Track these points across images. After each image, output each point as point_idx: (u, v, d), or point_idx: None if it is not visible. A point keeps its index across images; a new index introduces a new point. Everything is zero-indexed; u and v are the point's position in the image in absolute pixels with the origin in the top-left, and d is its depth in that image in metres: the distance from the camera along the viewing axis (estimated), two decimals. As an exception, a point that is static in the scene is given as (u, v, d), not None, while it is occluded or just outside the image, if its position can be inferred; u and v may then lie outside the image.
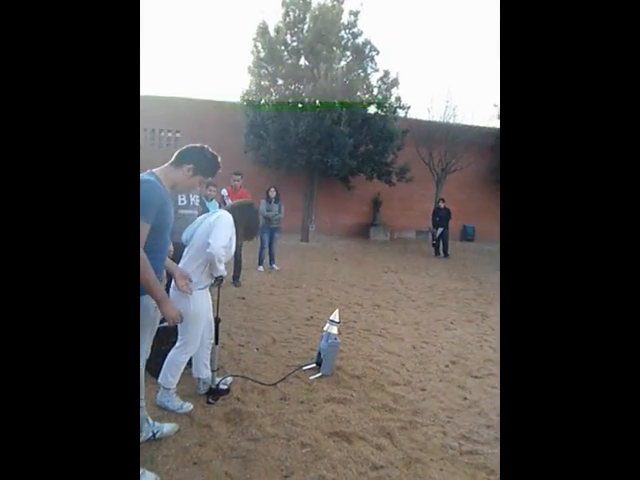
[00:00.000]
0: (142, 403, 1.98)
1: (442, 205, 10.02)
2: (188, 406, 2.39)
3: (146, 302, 1.76)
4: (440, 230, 9.83)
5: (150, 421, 2.07)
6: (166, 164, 1.90)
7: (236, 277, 5.86)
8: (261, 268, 6.99)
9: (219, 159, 1.97)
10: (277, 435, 2.21)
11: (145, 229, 1.65)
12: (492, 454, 2.16)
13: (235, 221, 2.43)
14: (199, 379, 2.59)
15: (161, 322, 2.90)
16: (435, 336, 4.12)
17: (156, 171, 1.83)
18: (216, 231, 2.30)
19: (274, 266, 7.13)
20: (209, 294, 2.52)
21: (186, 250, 2.43)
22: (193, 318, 2.30)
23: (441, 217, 9.78)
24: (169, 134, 12.80)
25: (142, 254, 1.62)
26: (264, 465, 1.97)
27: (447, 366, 3.37)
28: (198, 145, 1.94)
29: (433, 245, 10.11)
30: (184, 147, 1.92)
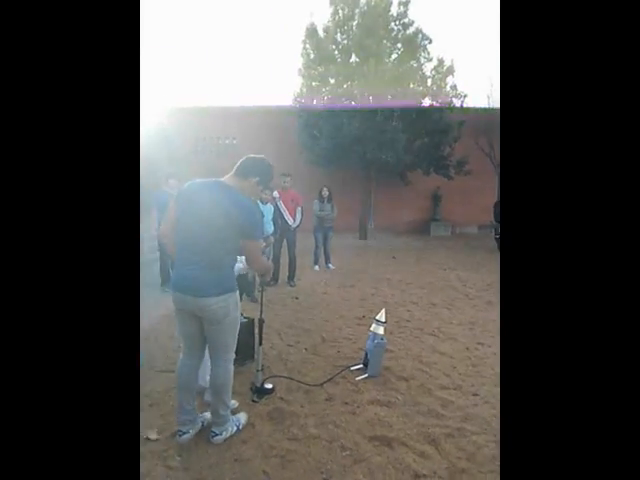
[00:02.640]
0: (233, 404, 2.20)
1: (505, 197, 9.41)
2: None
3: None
4: (504, 224, 9.24)
5: (232, 417, 2.23)
6: (231, 175, 2.08)
7: (291, 277, 5.97)
8: (317, 267, 7.05)
9: (273, 168, 2.19)
10: (319, 436, 2.22)
11: (260, 244, 2.12)
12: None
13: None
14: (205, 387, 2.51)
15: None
16: (491, 337, 3.88)
17: (228, 182, 2.04)
18: None
19: (330, 265, 7.16)
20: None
21: None
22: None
23: (504, 210, 9.19)
24: (227, 141, 13.38)
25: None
26: (303, 466, 1.98)
27: (504, 370, 3.16)
28: (258, 157, 2.12)
29: (496, 239, 9.54)
30: (246, 159, 2.10)
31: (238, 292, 2.10)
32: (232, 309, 2.03)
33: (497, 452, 2.13)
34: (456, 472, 1.97)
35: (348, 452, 2.09)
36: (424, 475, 1.94)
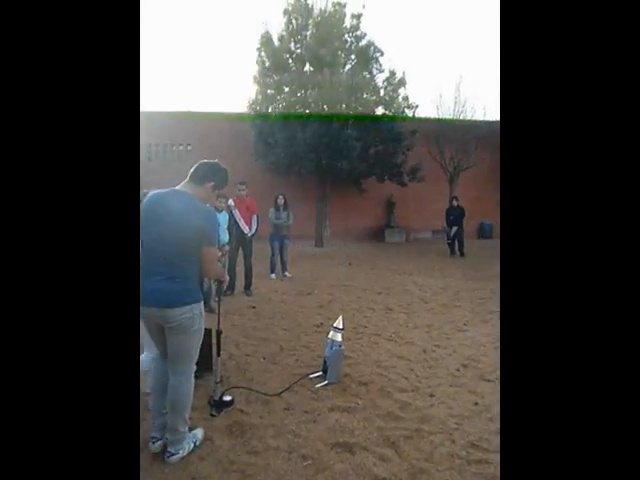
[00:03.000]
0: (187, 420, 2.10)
1: (455, 204, 9.85)
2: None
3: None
4: (455, 229, 9.66)
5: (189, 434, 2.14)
6: (186, 182, 2.06)
7: (247, 286, 5.88)
8: (273, 276, 7.00)
9: (228, 172, 2.17)
10: (278, 447, 2.18)
11: (216, 251, 2.07)
12: (501, 462, 2.07)
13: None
14: None
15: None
16: (447, 339, 4.02)
17: (185, 189, 2.03)
18: None
19: (286, 273, 7.13)
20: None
21: None
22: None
23: (455, 216, 9.61)
24: (180, 147, 13.04)
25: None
26: (263, 479, 1.93)
27: (458, 370, 3.28)
28: (212, 162, 2.12)
29: (448, 245, 9.94)
30: (200, 164, 2.09)
31: (199, 305, 2.05)
32: (197, 319, 2.02)
33: (452, 449, 2.20)
34: (415, 473, 2.01)
35: (310, 461, 2.07)
36: (384, 478, 1.96)
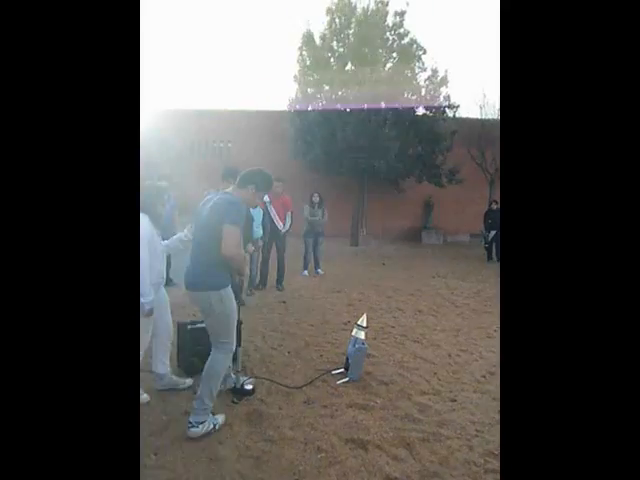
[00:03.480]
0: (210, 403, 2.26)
1: (495, 207, 9.51)
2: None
3: (230, 292, 2.29)
4: (493, 233, 9.34)
5: (211, 415, 2.29)
6: (233, 187, 2.41)
7: (279, 281, 5.99)
8: (306, 272, 7.07)
9: (272, 177, 2.48)
10: (294, 438, 2.24)
11: (237, 231, 2.20)
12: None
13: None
14: (156, 374, 2.71)
15: (196, 323, 3.05)
16: (474, 344, 3.92)
17: (228, 191, 2.37)
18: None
19: (319, 270, 7.19)
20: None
21: None
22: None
23: (493, 219, 9.28)
24: (221, 144, 13.41)
25: (239, 248, 2.25)
26: (276, 467, 2.00)
27: (484, 376, 3.20)
28: (256, 168, 2.43)
29: (485, 249, 9.63)
30: (245, 171, 2.41)
31: (226, 290, 2.26)
32: (216, 305, 2.23)
33: (470, 456, 2.16)
34: (428, 475, 2.00)
35: (323, 454, 2.11)
36: (396, 478, 1.97)
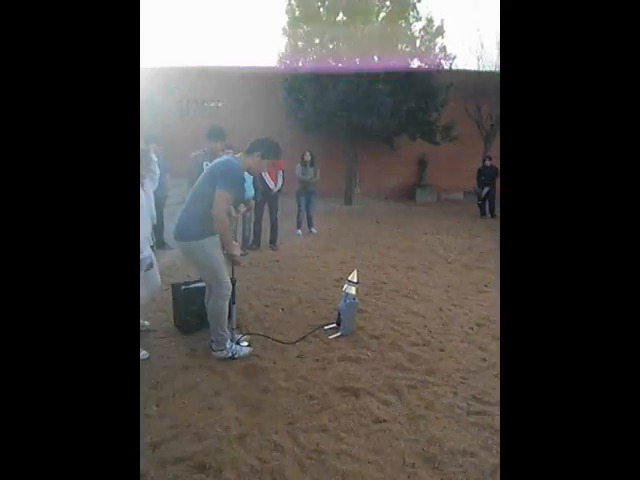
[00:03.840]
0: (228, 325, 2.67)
1: (488, 163, 9.45)
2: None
3: (217, 240, 2.52)
4: (486, 190, 9.34)
5: (229, 343, 2.67)
6: (241, 153, 2.61)
7: (273, 241, 6.04)
8: (299, 232, 7.10)
9: (279, 145, 2.65)
10: (288, 388, 2.35)
11: (226, 196, 2.39)
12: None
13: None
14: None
15: (189, 284, 3.11)
16: (465, 299, 4.04)
17: (237, 156, 2.59)
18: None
19: (312, 229, 7.23)
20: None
21: None
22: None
23: (487, 176, 9.25)
24: (212, 104, 13.01)
25: (225, 214, 2.41)
26: (271, 413, 2.11)
27: (472, 328, 3.32)
28: (263, 137, 2.62)
29: (479, 205, 9.66)
30: (255, 140, 2.60)
31: (209, 239, 2.48)
32: (198, 252, 2.51)
33: (454, 401, 2.30)
34: (415, 418, 2.13)
35: (315, 401, 2.23)
36: (385, 420, 2.10)
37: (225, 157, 2.61)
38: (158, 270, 2.92)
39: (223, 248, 2.57)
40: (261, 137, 2.62)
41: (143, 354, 2.63)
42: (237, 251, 2.60)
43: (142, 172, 2.75)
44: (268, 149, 2.57)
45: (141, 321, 3.01)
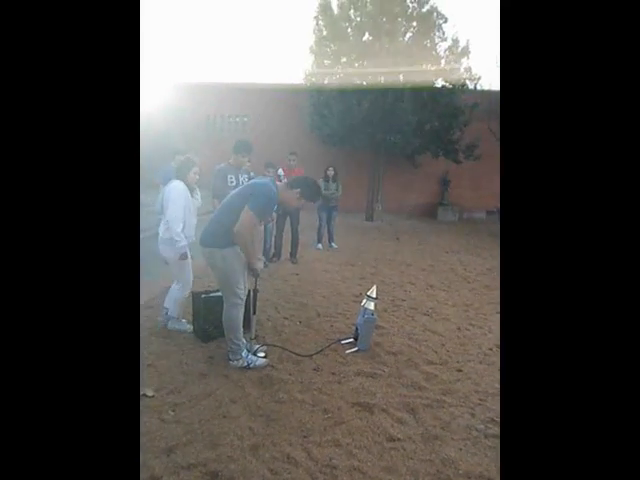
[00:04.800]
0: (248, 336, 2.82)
1: (514, 183, 9.32)
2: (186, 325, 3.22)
3: (238, 251, 2.58)
4: (511, 210, 9.18)
5: (245, 353, 2.73)
6: (283, 183, 2.94)
7: (293, 254, 6.08)
8: (320, 246, 7.13)
9: (321, 189, 2.81)
10: (303, 401, 2.35)
11: (253, 217, 2.47)
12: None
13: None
14: (164, 307, 3.25)
15: (210, 292, 3.17)
16: (484, 319, 3.97)
17: (279, 185, 2.71)
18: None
19: (333, 244, 7.25)
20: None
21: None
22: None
23: (512, 195, 9.11)
24: (237, 119, 13.34)
25: (248, 232, 2.49)
26: (285, 424, 2.12)
27: (491, 349, 3.26)
28: (310, 177, 2.74)
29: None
30: (301, 177, 2.81)
31: (230, 250, 2.55)
32: (218, 260, 2.57)
33: (471, 422, 2.25)
34: (429, 438, 2.09)
35: (330, 415, 2.22)
36: (399, 439, 2.07)
37: (267, 179, 2.75)
38: (191, 267, 3.26)
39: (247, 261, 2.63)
40: (307, 177, 2.74)
41: (188, 327, 3.23)
42: (260, 265, 2.66)
43: (193, 185, 3.25)
44: (309, 190, 2.64)
45: (186, 325, 3.27)
